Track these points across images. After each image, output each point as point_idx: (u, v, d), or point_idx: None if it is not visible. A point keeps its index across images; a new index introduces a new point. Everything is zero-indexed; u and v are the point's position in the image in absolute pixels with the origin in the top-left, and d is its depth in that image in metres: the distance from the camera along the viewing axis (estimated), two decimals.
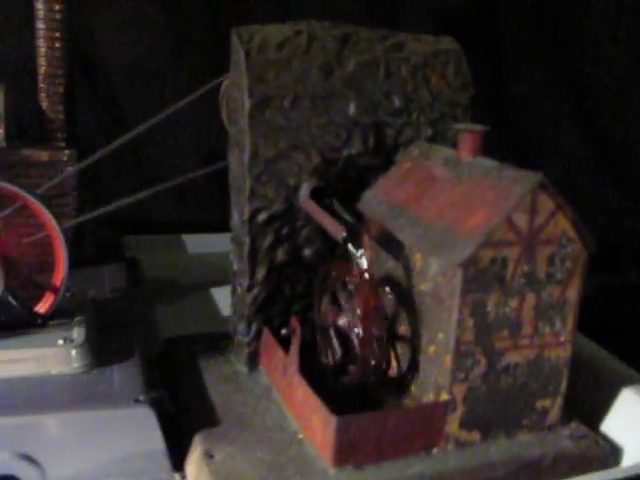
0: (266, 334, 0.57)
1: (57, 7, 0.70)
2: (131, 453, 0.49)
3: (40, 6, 0.70)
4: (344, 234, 0.49)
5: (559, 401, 0.51)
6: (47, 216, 0.57)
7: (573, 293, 0.49)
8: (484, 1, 1.01)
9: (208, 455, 0.48)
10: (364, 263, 0.49)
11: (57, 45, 0.71)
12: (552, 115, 1.06)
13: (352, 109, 0.56)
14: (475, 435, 0.49)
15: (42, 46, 0.71)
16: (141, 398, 0.50)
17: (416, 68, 0.58)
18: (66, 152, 0.71)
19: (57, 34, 0.71)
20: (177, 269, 0.87)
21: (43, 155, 0.70)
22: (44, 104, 0.72)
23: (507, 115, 1.07)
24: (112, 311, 0.63)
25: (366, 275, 0.49)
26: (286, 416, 0.52)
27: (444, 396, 0.48)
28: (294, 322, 0.52)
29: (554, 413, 0.51)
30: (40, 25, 0.70)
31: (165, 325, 0.69)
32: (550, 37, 1.01)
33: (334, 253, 0.58)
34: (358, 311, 0.49)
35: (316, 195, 0.55)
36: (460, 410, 0.48)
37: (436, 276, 0.48)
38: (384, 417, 0.47)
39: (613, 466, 0.51)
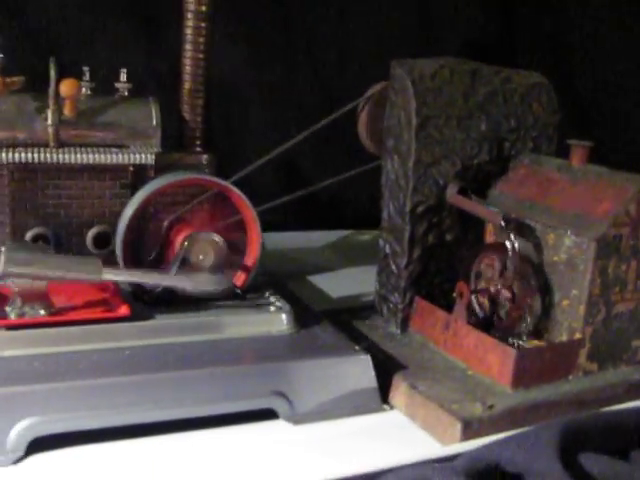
0: (420, 301, 0.76)
1: (203, 32, 0.85)
2: (351, 390, 0.66)
3: (188, 31, 0.85)
4: (502, 220, 0.69)
5: None
6: (244, 201, 0.73)
7: None
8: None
9: (413, 387, 0.66)
10: (515, 242, 0.69)
11: (201, 64, 0.86)
12: None
13: (482, 127, 0.77)
14: (594, 366, 0.70)
15: (188, 65, 0.86)
16: (357, 347, 0.68)
17: (522, 97, 0.79)
18: (205, 156, 0.86)
19: (201, 55, 0.86)
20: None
21: (190, 159, 0.85)
22: (186, 115, 0.87)
23: None
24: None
25: (516, 253, 0.69)
26: (449, 360, 0.71)
27: (577, 336, 0.69)
28: (461, 286, 0.71)
29: None
30: (187, 47, 0.86)
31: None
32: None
33: (466, 238, 0.78)
34: (517, 278, 0.68)
35: (460, 193, 0.75)
36: (587, 346, 0.69)
37: (570, 249, 0.69)
38: (544, 350, 0.67)
39: None
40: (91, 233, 0.80)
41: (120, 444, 0.57)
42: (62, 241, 0.78)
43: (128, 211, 0.71)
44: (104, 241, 0.80)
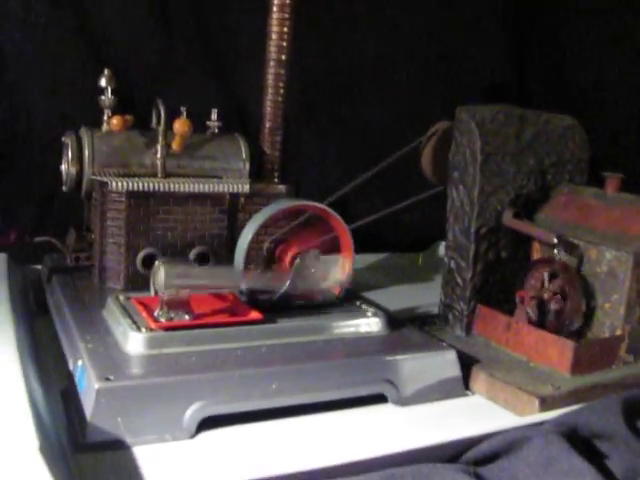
0: (482, 308, 0.93)
1: (282, 77, 1.02)
2: (441, 379, 0.81)
3: (270, 77, 1.01)
4: (555, 239, 0.87)
5: None
6: (339, 222, 0.89)
7: None
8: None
9: (491, 375, 0.82)
10: (564, 257, 0.87)
11: (280, 106, 1.02)
12: None
13: (530, 162, 0.95)
14: (631, 357, 0.88)
15: (269, 106, 1.02)
16: (445, 343, 0.84)
17: (560, 137, 0.97)
18: (282, 187, 1.02)
19: (280, 98, 1.02)
20: None
21: (272, 188, 1.01)
22: (267, 150, 1.03)
23: None
24: None
25: (566, 265, 0.87)
26: (512, 355, 0.88)
27: (619, 332, 0.86)
28: (522, 293, 0.88)
29: None
30: (270, 91, 1.01)
31: None
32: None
33: (517, 255, 0.95)
34: (567, 286, 0.86)
35: (514, 217, 0.93)
36: (626, 341, 0.87)
37: (610, 261, 0.87)
38: (594, 344, 0.84)
39: None
40: (193, 253, 0.95)
41: (267, 423, 0.72)
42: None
43: (248, 234, 0.86)
44: (204, 260, 0.95)
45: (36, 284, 1.04)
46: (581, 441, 0.69)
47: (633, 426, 0.71)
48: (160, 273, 0.75)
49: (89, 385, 0.68)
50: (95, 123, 0.97)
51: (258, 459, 0.65)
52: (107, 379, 0.67)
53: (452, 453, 0.67)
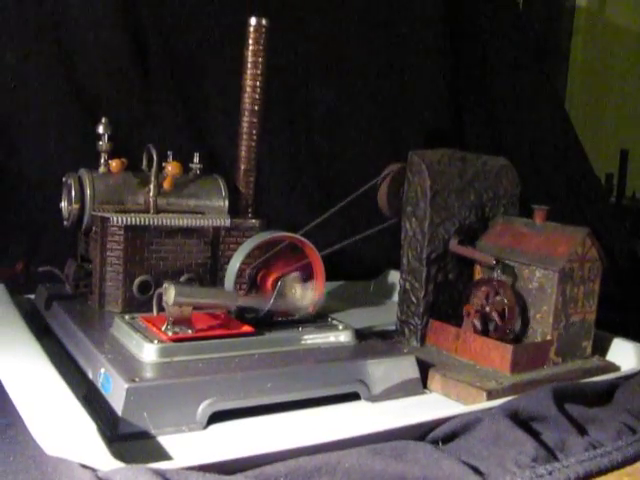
0: (434, 322, 1.13)
1: (256, 125, 1.21)
2: (403, 380, 1.01)
3: (245, 125, 1.21)
4: (494, 262, 1.09)
5: (590, 343, 1.14)
6: (313, 250, 1.08)
7: (597, 286, 1.13)
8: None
9: (444, 375, 1.02)
10: (502, 276, 1.09)
11: (253, 150, 1.22)
12: None
13: (471, 197, 1.17)
14: (559, 359, 1.10)
15: (244, 150, 1.21)
16: (406, 350, 1.04)
17: (496, 175, 1.20)
18: (256, 221, 1.21)
19: (253, 143, 1.22)
20: None
21: (247, 223, 1.20)
22: (242, 189, 1.22)
23: None
24: None
25: (504, 283, 1.09)
26: (461, 360, 1.08)
27: (548, 338, 1.08)
28: (468, 308, 1.09)
29: (589, 349, 1.14)
30: (244, 137, 1.21)
31: None
32: None
33: (462, 277, 1.17)
34: (505, 300, 1.08)
35: (459, 244, 1.14)
36: (555, 345, 1.08)
37: (540, 278, 1.09)
38: (528, 347, 1.06)
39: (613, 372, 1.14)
40: (182, 279, 1.12)
41: (265, 417, 0.90)
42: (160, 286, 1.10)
43: (236, 263, 1.04)
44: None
45: (29, 312, 1.19)
46: (521, 421, 0.89)
47: (561, 409, 0.92)
48: (170, 291, 0.93)
49: (117, 387, 0.84)
50: (80, 164, 1.15)
51: (259, 443, 0.82)
52: (133, 380, 0.84)
53: (418, 434, 0.86)
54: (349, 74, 1.65)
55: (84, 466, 0.66)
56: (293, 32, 1.62)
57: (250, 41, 1.18)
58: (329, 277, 1.11)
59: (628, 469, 0.81)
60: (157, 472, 0.65)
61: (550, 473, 0.76)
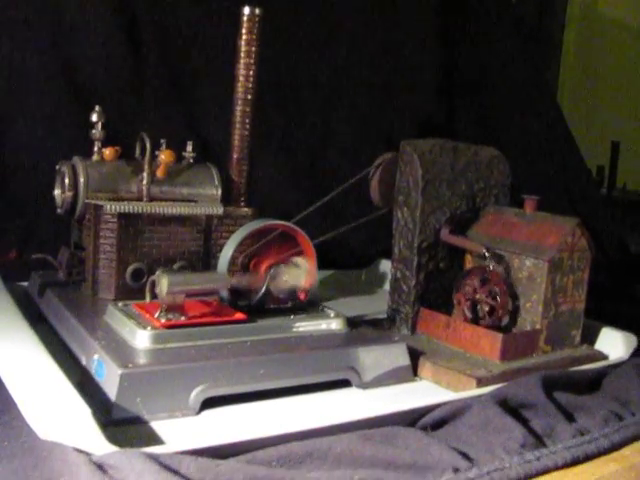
0: (425, 310, 1.15)
1: (249, 114, 1.22)
2: (394, 367, 1.02)
3: (238, 113, 1.21)
4: (485, 251, 1.10)
5: (579, 332, 1.15)
6: (305, 238, 1.09)
7: (586, 275, 1.14)
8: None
9: (435, 363, 1.04)
10: (493, 263, 1.10)
11: (246, 139, 1.22)
12: None
13: (463, 187, 1.18)
14: (549, 347, 1.11)
15: (237, 139, 1.22)
16: (396, 338, 1.05)
17: (487, 166, 1.21)
18: (249, 209, 1.22)
19: (246, 132, 1.23)
20: None
21: (239, 211, 1.21)
22: (235, 178, 1.23)
23: None
24: None
25: (494, 272, 1.10)
26: (451, 348, 1.10)
27: (538, 327, 1.10)
28: (459, 296, 1.10)
29: (578, 338, 1.15)
30: (237, 126, 1.21)
31: None
32: None
33: (453, 265, 1.18)
34: (496, 289, 1.09)
35: (450, 233, 1.15)
36: (544, 334, 1.10)
37: (529, 268, 1.10)
38: (518, 335, 1.07)
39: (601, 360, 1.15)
40: (175, 267, 1.13)
41: (258, 403, 0.91)
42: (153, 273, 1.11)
43: (229, 250, 1.05)
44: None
45: (23, 299, 1.19)
46: (510, 408, 0.90)
47: (549, 396, 0.93)
48: (163, 282, 0.93)
49: (110, 373, 0.85)
50: (74, 152, 1.15)
51: (251, 428, 0.83)
52: (127, 366, 0.85)
53: (408, 420, 0.87)
54: (342, 64, 1.65)
55: (78, 450, 0.67)
56: (286, 20, 1.62)
57: (243, 30, 1.18)
58: (321, 266, 1.12)
59: (614, 455, 0.82)
60: (150, 456, 0.66)
61: (538, 459, 0.77)
